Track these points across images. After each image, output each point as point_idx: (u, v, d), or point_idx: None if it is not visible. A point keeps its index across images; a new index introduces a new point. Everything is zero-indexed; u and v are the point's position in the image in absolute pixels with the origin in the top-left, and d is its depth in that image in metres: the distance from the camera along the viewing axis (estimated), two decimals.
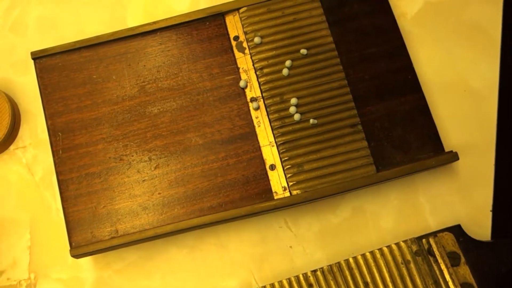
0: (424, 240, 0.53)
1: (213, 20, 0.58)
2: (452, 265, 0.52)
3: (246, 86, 0.55)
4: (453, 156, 0.54)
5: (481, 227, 0.56)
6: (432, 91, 0.59)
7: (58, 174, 0.54)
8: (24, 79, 0.63)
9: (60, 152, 0.55)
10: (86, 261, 0.58)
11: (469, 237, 0.54)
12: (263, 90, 0.56)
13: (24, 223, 0.59)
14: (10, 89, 0.63)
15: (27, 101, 0.62)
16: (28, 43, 0.64)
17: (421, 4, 0.62)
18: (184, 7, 0.64)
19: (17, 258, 0.58)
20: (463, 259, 0.52)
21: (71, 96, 0.56)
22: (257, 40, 0.57)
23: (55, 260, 0.58)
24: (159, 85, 0.56)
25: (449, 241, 0.53)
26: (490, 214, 0.57)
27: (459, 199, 0.57)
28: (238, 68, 0.56)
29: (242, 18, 0.58)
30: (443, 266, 0.52)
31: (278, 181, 0.54)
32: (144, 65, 0.57)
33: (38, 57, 0.57)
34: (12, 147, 0.61)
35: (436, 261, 0.52)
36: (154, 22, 0.57)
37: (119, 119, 0.55)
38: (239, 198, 0.53)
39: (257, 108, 0.55)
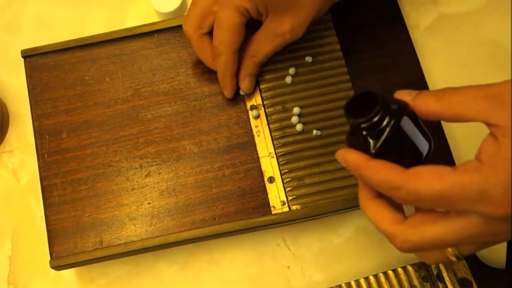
0: (433, 265, 0.49)
1: None
2: None
3: (258, 116, 0.52)
4: None
5: (496, 253, 0.52)
6: None
7: (42, 179, 0.51)
8: (16, 80, 0.60)
9: (46, 155, 0.52)
10: (69, 275, 0.55)
11: (483, 263, 0.50)
12: (264, 97, 0.53)
13: (6, 231, 0.56)
14: (0, 91, 0.60)
15: (17, 103, 0.60)
16: (22, 43, 0.61)
17: (435, 15, 0.60)
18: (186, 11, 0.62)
19: None
20: (475, 287, 0.48)
21: (60, 97, 0.53)
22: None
23: (36, 272, 0.55)
24: (154, 89, 0.53)
25: (461, 266, 0.49)
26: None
27: None
28: None
29: None
30: None
31: (276, 195, 0.50)
32: (140, 68, 0.54)
33: (29, 55, 0.54)
34: None
35: (446, 287, 0.48)
36: (152, 23, 0.55)
37: (110, 123, 0.52)
38: (234, 211, 0.50)
39: (257, 117, 0.52)
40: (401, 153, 0.38)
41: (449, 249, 0.38)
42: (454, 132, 0.55)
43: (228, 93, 0.52)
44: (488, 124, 0.35)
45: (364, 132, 0.38)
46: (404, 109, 0.37)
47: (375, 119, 0.37)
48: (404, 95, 0.38)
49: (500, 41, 0.58)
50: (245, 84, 0.52)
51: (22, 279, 0.55)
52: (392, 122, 0.37)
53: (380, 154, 0.37)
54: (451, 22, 0.59)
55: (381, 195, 0.39)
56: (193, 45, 0.52)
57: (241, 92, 0.53)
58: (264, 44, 0.50)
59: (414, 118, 0.38)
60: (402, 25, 0.57)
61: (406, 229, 0.37)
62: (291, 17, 0.47)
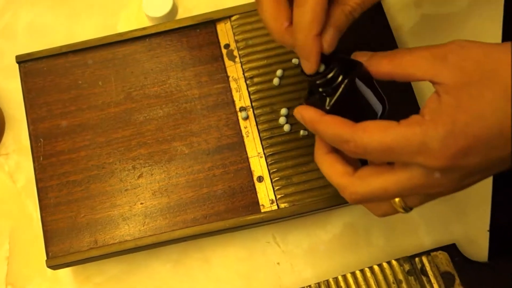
0: (417, 259, 0.51)
1: (204, 28, 0.56)
2: (446, 286, 0.50)
3: (247, 117, 0.53)
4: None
5: (477, 247, 0.54)
6: None
7: (37, 181, 0.53)
8: (11, 85, 0.61)
9: (41, 158, 0.53)
10: (65, 274, 0.56)
11: (465, 257, 0.52)
12: (252, 99, 0.54)
13: (3, 232, 0.58)
14: None
15: (13, 107, 0.61)
16: (17, 48, 0.63)
17: (418, 17, 0.61)
18: (177, 16, 0.63)
19: None
20: (457, 280, 0.50)
21: (55, 102, 0.55)
22: (248, 48, 0.55)
23: (34, 272, 0.56)
24: (146, 92, 0.55)
25: (444, 260, 0.51)
26: (487, 234, 0.55)
27: (455, 218, 0.55)
28: (228, 77, 0.55)
29: (234, 26, 0.56)
30: (436, 287, 0.49)
31: (265, 194, 0.52)
32: (132, 72, 0.55)
33: (23, 61, 0.56)
34: None
35: (429, 281, 0.50)
36: (144, 28, 0.56)
37: (103, 126, 0.54)
38: (225, 210, 0.51)
39: (246, 118, 0.54)
40: (355, 111, 0.40)
41: (396, 201, 0.40)
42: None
43: (313, 59, 0.40)
44: (433, 82, 0.36)
45: (320, 89, 0.39)
46: (359, 68, 0.39)
47: (329, 75, 0.39)
48: (360, 56, 0.40)
49: (484, 41, 0.60)
50: (329, 38, 0.40)
51: (20, 279, 0.56)
52: (346, 80, 0.38)
53: (335, 111, 0.39)
54: (434, 23, 0.61)
55: (335, 150, 0.41)
56: (263, 4, 0.41)
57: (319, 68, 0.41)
58: None
59: (369, 78, 0.39)
60: (386, 27, 0.58)
61: (355, 181, 0.39)
62: None
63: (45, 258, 0.51)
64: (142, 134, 0.53)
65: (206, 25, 0.56)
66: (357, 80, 0.39)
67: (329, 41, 0.40)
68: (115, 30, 0.63)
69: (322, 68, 0.40)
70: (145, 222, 0.51)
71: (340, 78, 0.39)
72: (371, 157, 0.38)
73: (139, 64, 0.56)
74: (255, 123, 0.54)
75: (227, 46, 0.56)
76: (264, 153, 0.53)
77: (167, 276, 0.55)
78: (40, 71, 0.55)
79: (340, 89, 0.39)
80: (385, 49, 0.56)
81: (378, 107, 0.40)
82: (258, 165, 0.52)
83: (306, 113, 0.40)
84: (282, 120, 0.53)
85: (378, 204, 0.42)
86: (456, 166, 0.35)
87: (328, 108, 0.39)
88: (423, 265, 0.50)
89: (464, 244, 0.54)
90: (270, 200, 0.51)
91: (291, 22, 0.40)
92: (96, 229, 0.51)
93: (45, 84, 0.55)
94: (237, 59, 0.55)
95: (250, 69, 0.55)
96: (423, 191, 0.38)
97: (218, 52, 0.56)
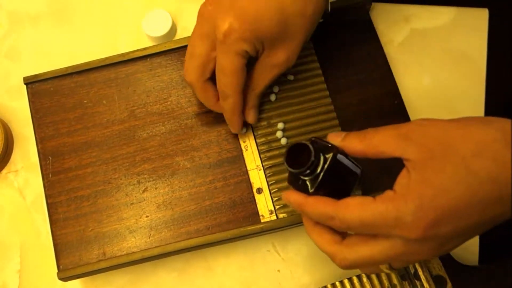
0: (410, 265, 0.53)
1: None
2: None
3: (246, 131, 0.56)
4: None
5: (468, 252, 0.56)
6: (419, 117, 0.60)
7: (47, 197, 0.55)
8: (18, 104, 0.64)
9: (50, 175, 0.55)
10: (74, 285, 0.58)
11: (456, 261, 0.54)
12: None
13: (14, 246, 0.60)
14: (4, 114, 0.64)
15: (20, 125, 0.64)
16: (22, 69, 0.65)
17: (407, 32, 0.64)
18: (176, 35, 0.66)
19: (7, 281, 0.59)
20: (449, 284, 0.52)
21: (62, 121, 0.57)
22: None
23: (44, 285, 0.59)
24: (149, 109, 0.57)
25: (435, 265, 0.53)
26: (477, 240, 0.57)
27: None
28: None
29: None
30: None
31: (265, 205, 0.54)
32: (134, 90, 0.58)
33: (31, 82, 0.58)
34: (4, 171, 0.62)
35: (422, 285, 0.52)
36: (145, 48, 0.58)
37: (108, 143, 0.56)
38: (226, 221, 0.54)
39: (245, 133, 0.56)
40: (335, 186, 0.44)
41: (383, 265, 0.43)
42: (417, 114, 0.59)
43: (237, 128, 0.54)
44: (403, 159, 0.40)
45: (303, 177, 0.44)
46: (335, 153, 0.43)
47: (310, 168, 0.43)
48: (334, 138, 0.44)
49: (468, 53, 0.62)
50: (251, 116, 0.54)
51: None
52: (325, 168, 0.43)
53: (318, 192, 0.43)
54: (422, 37, 0.63)
55: None
56: (196, 92, 0.53)
57: (241, 131, 0.55)
58: (263, 76, 0.51)
59: (344, 155, 0.44)
60: (376, 42, 0.60)
61: (343, 249, 0.42)
62: (285, 48, 0.50)
63: (56, 271, 0.53)
64: (145, 150, 0.56)
65: None
66: (333, 165, 0.43)
67: (253, 117, 0.54)
68: (116, 49, 0.65)
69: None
70: (150, 234, 0.54)
71: (319, 169, 0.43)
72: (355, 231, 0.42)
73: (141, 83, 0.58)
74: (253, 137, 0.56)
75: None
76: (262, 166, 0.55)
77: (173, 284, 0.58)
78: (46, 91, 0.58)
79: (320, 177, 0.43)
80: (376, 64, 0.59)
81: (357, 170, 0.45)
82: (257, 177, 0.55)
83: (292, 198, 0.44)
84: (279, 134, 0.55)
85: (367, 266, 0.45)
86: (431, 236, 0.38)
87: (311, 191, 0.43)
88: (416, 270, 0.53)
89: (456, 249, 0.56)
90: (269, 210, 0.54)
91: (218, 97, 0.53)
92: (104, 241, 0.53)
93: (52, 104, 0.57)
94: None
95: None
96: (405, 258, 0.41)
97: None
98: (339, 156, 0.43)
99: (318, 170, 0.43)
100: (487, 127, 0.38)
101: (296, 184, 0.45)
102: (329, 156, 0.43)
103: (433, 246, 0.39)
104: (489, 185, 0.37)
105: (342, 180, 0.44)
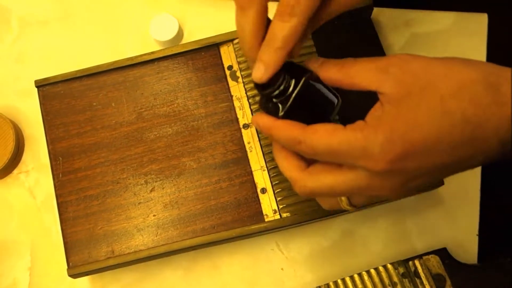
0: (410, 263, 0.55)
1: (208, 51, 0.60)
2: (438, 287, 0.53)
3: (248, 127, 0.57)
4: (439, 181, 0.56)
5: (467, 251, 0.58)
6: None
7: (57, 196, 0.56)
8: (28, 106, 0.66)
9: (60, 175, 0.57)
10: (83, 282, 0.60)
11: (455, 260, 0.55)
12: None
13: (25, 245, 0.61)
14: (15, 116, 0.66)
15: (30, 127, 0.65)
16: (32, 72, 0.67)
17: (408, 35, 0.65)
18: (182, 39, 0.67)
19: (18, 278, 0.60)
20: (448, 282, 0.54)
21: (71, 122, 0.59)
22: (250, 69, 0.59)
23: (53, 282, 0.60)
24: (156, 111, 0.59)
25: (435, 263, 0.55)
26: (476, 238, 0.58)
27: (445, 224, 0.59)
28: (232, 96, 0.59)
29: (236, 49, 0.60)
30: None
31: (269, 204, 0.55)
32: (142, 93, 0.59)
33: (41, 85, 0.60)
34: (15, 171, 0.64)
35: (422, 283, 0.53)
36: (152, 52, 0.60)
37: (117, 144, 0.58)
38: (231, 220, 0.55)
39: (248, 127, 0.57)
40: (308, 113, 0.42)
41: (343, 199, 0.43)
42: None
43: (272, 71, 0.42)
44: (378, 92, 0.39)
45: (273, 99, 0.42)
46: (308, 76, 0.41)
47: (281, 88, 0.41)
48: (312, 62, 0.42)
49: (468, 57, 0.63)
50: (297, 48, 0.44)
51: None
52: (296, 90, 0.41)
53: (288, 116, 0.42)
54: (423, 41, 0.65)
55: None
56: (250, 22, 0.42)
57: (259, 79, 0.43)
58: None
59: (320, 82, 0.42)
60: (378, 46, 0.61)
61: (306, 176, 0.41)
62: None
63: (65, 268, 0.55)
64: (153, 151, 0.57)
65: (210, 48, 0.60)
66: (306, 89, 0.41)
67: (297, 51, 0.44)
68: (123, 53, 0.67)
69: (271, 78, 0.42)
70: (157, 233, 0.55)
71: (290, 90, 0.41)
72: (320, 158, 0.41)
73: (149, 86, 0.59)
74: (257, 139, 0.57)
75: (230, 67, 0.60)
76: (266, 167, 0.56)
77: (178, 282, 0.59)
78: (57, 94, 0.59)
79: (291, 99, 0.41)
80: None
81: (333, 99, 0.43)
82: (261, 177, 0.56)
83: (261, 121, 0.42)
84: None
85: (327, 198, 0.44)
86: (396, 170, 0.37)
87: (281, 115, 0.42)
88: (416, 268, 0.54)
89: (454, 248, 0.57)
90: (273, 210, 0.55)
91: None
92: (112, 239, 0.55)
93: (62, 106, 0.59)
94: (240, 79, 0.59)
95: (252, 88, 0.59)
96: (367, 193, 0.40)
97: (222, 73, 0.60)
98: (314, 82, 0.41)
99: (289, 92, 0.41)
100: (470, 68, 0.38)
101: (267, 106, 0.43)
102: (302, 79, 0.41)
103: (397, 182, 0.38)
104: (461, 126, 0.36)
105: (316, 107, 0.42)
